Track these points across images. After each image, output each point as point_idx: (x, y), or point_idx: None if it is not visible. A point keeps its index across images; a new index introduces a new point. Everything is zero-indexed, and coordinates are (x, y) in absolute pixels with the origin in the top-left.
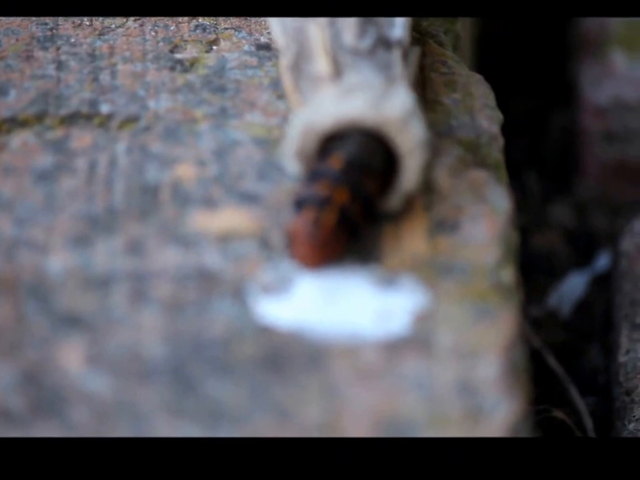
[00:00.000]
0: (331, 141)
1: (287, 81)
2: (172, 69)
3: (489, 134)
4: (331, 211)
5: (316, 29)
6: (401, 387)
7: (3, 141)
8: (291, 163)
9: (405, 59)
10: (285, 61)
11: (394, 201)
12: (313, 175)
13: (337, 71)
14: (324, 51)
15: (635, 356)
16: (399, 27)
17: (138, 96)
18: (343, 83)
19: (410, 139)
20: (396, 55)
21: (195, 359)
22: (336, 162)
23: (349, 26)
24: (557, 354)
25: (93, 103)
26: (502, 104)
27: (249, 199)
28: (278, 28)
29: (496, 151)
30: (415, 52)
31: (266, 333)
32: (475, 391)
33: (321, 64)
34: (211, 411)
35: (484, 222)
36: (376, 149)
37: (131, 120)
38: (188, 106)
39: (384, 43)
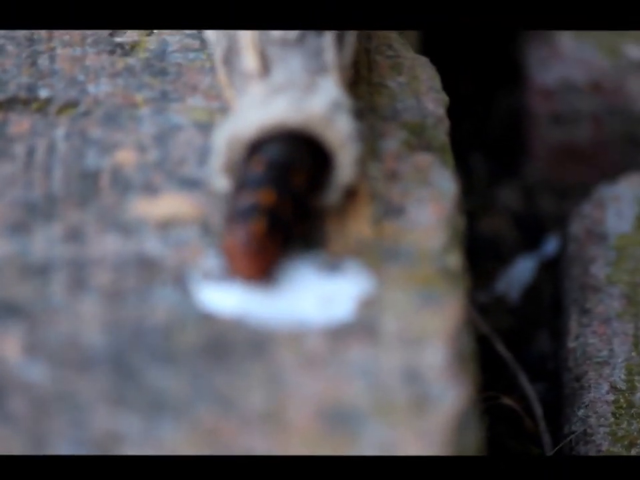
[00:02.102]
0: (259, 147)
1: (221, 76)
2: (112, 52)
3: (434, 116)
4: (260, 218)
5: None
6: (346, 374)
7: None
8: (219, 179)
9: (341, 42)
10: (217, 55)
11: (332, 195)
12: (237, 186)
13: (265, 67)
14: (251, 45)
15: (584, 341)
16: None
17: (77, 80)
18: (269, 81)
19: (338, 134)
20: (327, 40)
21: (136, 348)
22: (257, 165)
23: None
24: (506, 340)
25: (31, 88)
26: (448, 86)
27: (190, 184)
28: None
29: (442, 134)
30: (352, 34)
31: (208, 320)
32: (421, 378)
33: (248, 60)
34: (152, 400)
35: (430, 206)
36: (301, 145)
37: (70, 105)
38: (128, 90)
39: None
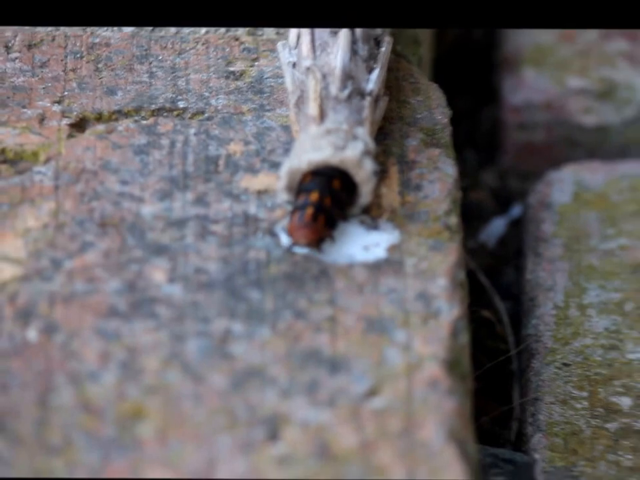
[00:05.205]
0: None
1: (291, 115)
2: (227, 77)
3: (441, 124)
4: (309, 207)
5: (313, 82)
6: (381, 296)
7: (112, 126)
8: (282, 195)
9: (375, 104)
10: (291, 101)
11: (356, 210)
12: (297, 192)
13: (321, 114)
14: (315, 98)
15: (536, 275)
16: (372, 82)
17: (204, 96)
18: (323, 126)
19: (363, 174)
20: (366, 102)
21: (241, 276)
22: (308, 179)
23: (334, 81)
24: (485, 273)
25: (174, 101)
26: (451, 103)
27: (278, 166)
28: (288, 78)
29: (446, 136)
30: (385, 100)
31: (289, 256)
32: (431, 299)
33: (311, 108)
34: (250, 312)
35: (438, 184)
36: (336, 170)
37: (199, 112)
38: (238, 103)
39: (359, 93)
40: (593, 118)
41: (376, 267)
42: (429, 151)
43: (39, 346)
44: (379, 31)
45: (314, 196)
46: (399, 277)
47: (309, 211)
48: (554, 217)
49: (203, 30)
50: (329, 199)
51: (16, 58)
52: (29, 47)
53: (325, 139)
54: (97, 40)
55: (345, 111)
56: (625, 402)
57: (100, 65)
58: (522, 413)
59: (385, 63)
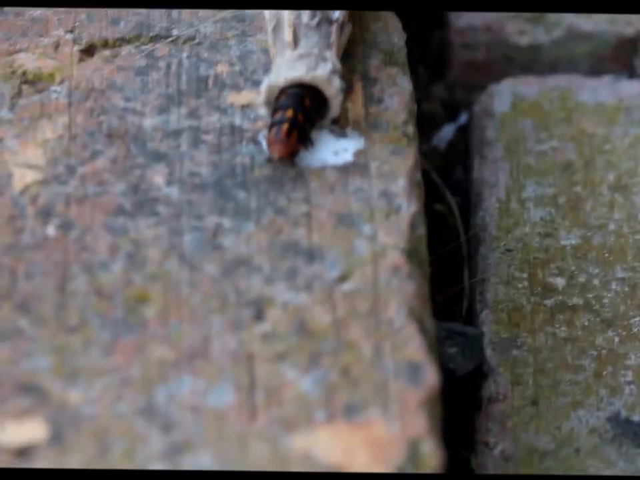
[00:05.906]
0: (286, 89)
1: (269, 40)
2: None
3: (398, 46)
4: (284, 123)
5: (287, 11)
6: (349, 194)
7: (117, 51)
8: (262, 109)
9: (341, 30)
10: (269, 28)
11: (326, 122)
12: (274, 109)
13: (295, 40)
14: (289, 26)
15: (482, 173)
16: (337, 11)
17: (194, 24)
18: (296, 50)
19: (332, 90)
20: (333, 28)
21: (229, 178)
22: (283, 97)
23: (305, 10)
24: (438, 173)
25: (168, 29)
26: (405, 27)
27: (259, 84)
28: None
29: (402, 56)
30: (349, 26)
31: (270, 162)
32: (392, 196)
33: (286, 34)
34: (237, 209)
35: (396, 98)
36: (310, 88)
37: (190, 39)
38: (223, 30)
39: (327, 20)
40: (527, 38)
41: (345, 170)
42: (388, 70)
43: (57, 240)
44: None
45: (289, 112)
46: (365, 178)
47: (284, 127)
48: (496, 123)
49: None
50: (302, 115)
51: None
52: None
53: (298, 61)
54: None
55: (315, 37)
56: (560, 282)
57: None
58: (471, 292)
59: None
